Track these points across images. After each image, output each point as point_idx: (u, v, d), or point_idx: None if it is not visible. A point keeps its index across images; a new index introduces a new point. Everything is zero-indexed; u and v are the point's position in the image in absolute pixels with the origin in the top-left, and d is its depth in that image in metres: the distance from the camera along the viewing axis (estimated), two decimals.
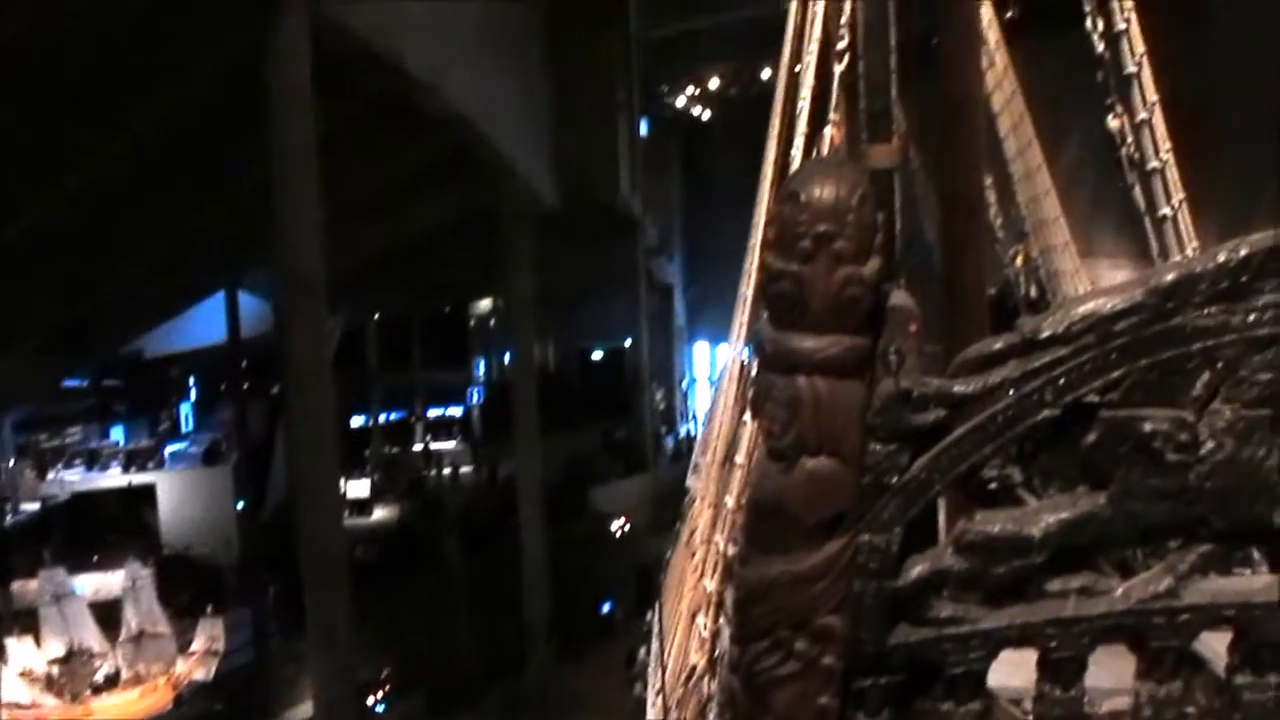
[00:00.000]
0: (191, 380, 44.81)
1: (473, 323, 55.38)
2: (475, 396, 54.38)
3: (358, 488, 41.57)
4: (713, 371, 46.23)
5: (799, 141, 7.17)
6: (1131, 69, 6.12)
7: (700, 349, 50.89)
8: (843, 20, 7.00)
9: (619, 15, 30.04)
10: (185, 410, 43.79)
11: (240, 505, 35.42)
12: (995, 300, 9.83)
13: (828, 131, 6.88)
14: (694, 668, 7.86)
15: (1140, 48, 6.15)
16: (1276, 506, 2.21)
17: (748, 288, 10.53)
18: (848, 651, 2.26)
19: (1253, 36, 15.90)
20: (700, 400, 49.62)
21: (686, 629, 8.82)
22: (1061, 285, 9.90)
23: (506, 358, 45.71)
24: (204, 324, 37.04)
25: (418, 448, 51.03)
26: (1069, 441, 2.24)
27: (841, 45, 6.85)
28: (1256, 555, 2.37)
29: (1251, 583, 2.32)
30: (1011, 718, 3.69)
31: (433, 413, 53.90)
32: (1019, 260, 10.91)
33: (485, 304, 53.36)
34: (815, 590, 2.23)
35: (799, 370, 2.14)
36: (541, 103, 31.72)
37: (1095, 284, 10.42)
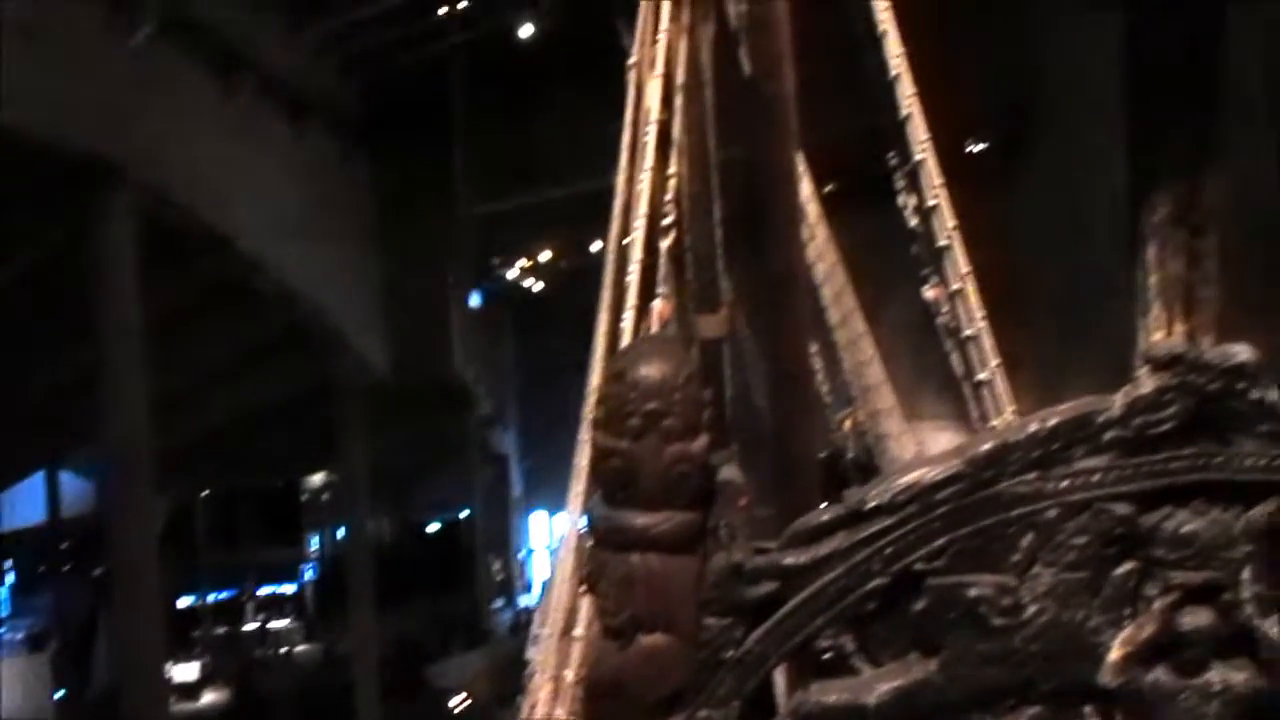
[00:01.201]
0: (9, 563, 42.95)
1: (305, 497, 54.30)
2: (308, 573, 53.09)
3: (186, 671, 39.97)
4: (551, 541, 45.88)
5: (629, 313, 7.27)
6: (944, 242, 6.38)
7: (538, 519, 50.53)
8: (668, 196, 7.19)
9: (449, 190, 30.37)
10: (2, 594, 41.89)
11: (61, 693, 33.78)
12: (826, 464, 9.96)
13: (656, 304, 6.99)
14: None
15: (951, 222, 6.42)
16: (1098, 667, 2.27)
17: (583, 458, 10.53)
18: None
19: (1059, 207, 16.71)
20: (538, 571, 49.11)
21: None
22: (888, 448, 10.09)
23: (340, 533, 44.82)
24: (23, 504, 35.71)
25: (250, 627, 49.45)
26: (899, 610, 2.28)
27: (668, 220, 7.02)
28: (1088, 710, 2.42)
29: None
30: None
31: (265, 590, 52.39)
32: (847, 425, 11.10)
33: (318, 478, 52.42)
34: None
35: (632, 547, 2.16)
36: (373, 276, 31.74)
37: (921, 445, 10.65)
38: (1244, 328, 2.34)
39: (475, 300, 38.07)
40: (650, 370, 2.15)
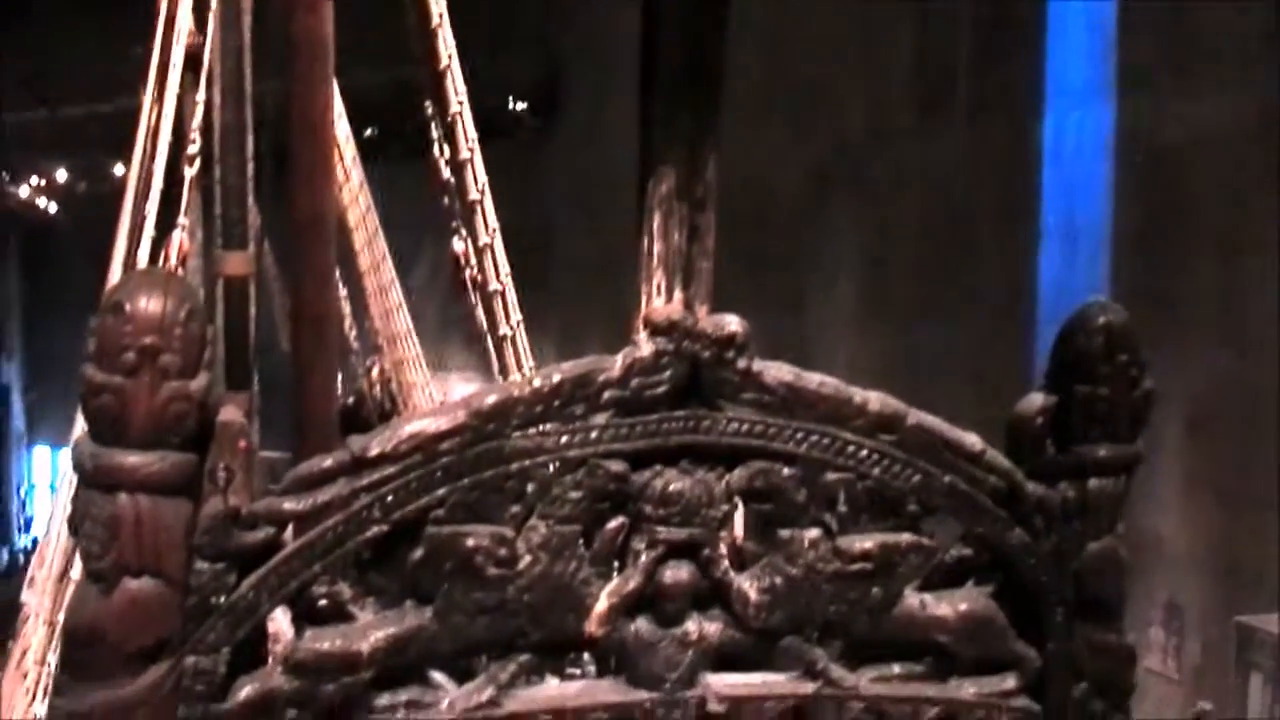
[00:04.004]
0: None
1: None
2: None
3: None
4: (54, 478, 43.40)
5: (146, 243, 6.96)
6: (475, 196, 6.45)
7: (40, 454, 47.67)
8: (196, 124, 6.92)
9: None
10: None
11: None
12: (350, 410, 9.94)
13: (177, 235, 6.73)
14: None
15: (483, 177, 6.50)
16: (586, 617, 2.36)
17: None
18: None
19: (585, 173, 17.20)
20: (39, 509, 46.37)
21: None
22: (412, 397, 10.17)
23: None
24: None
25: None
26: (397, 558, 2.29)
27: (194, 149, 6.77)
28: (588, 658, 2.51)
29: (567, 688, 2.46)
30: None
31: None
32: (373, 372, 11.09)
33: None
34: (137, 717, 2.14)
35: (120, 488, 2.06)
36: None
37: (446, 396, 10.77)
38: (736, 300, 2.47)
39: None
40: (149, 303, 2.04)
